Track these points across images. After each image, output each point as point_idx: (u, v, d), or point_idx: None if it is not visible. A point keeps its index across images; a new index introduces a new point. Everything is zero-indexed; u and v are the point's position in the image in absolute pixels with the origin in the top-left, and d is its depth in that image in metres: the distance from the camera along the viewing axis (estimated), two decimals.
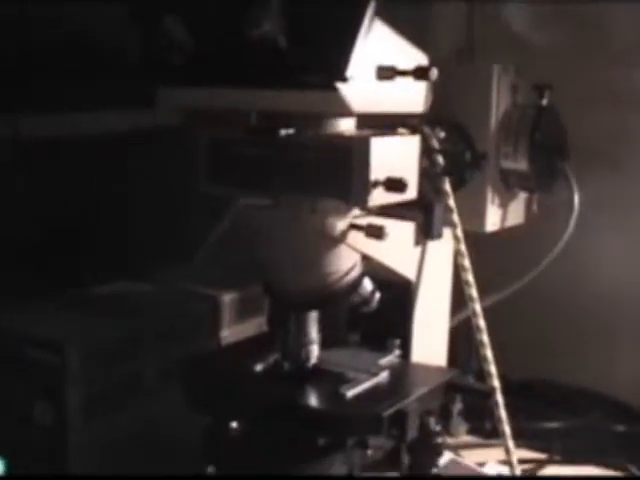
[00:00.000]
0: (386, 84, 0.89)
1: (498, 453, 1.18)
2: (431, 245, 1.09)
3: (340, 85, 0.84)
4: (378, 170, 0.90)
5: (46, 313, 1.14)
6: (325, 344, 1.05)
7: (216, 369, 1.02)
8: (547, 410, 1.42)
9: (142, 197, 1.46)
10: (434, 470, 1.01)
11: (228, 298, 1.23)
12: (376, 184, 0.90)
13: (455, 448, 1.28)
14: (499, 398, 1.06)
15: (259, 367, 1.01)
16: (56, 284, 1.22)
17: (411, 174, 0.94)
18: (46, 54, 1.33)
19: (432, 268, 1.10)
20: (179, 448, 1.08)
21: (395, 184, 0.90)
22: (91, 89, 1.37)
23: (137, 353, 1.12)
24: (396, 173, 0.91)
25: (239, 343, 1.15)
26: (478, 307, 1.06)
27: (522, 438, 1.22)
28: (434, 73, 0.89)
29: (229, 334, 1.23)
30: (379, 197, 0.90)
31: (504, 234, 1.22)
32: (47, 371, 1.07)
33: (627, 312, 1.46)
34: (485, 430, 1.30)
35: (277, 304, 1.01)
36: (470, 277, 1.06)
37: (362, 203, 0.90)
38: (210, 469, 1.00)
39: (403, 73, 0.89)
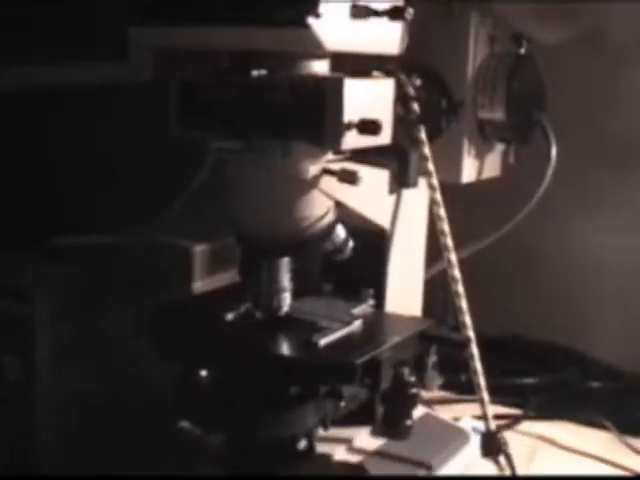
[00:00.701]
0: (360, 23, 0.87)
1: (473, 409, 1.17)
2: (406, 194, 1.08)
3: (312, 21, 0.81)
4: (352, 112, 0.87)
5: (15, 264, 1.11)
6: (298, 294, 1.03)
7: (185, 318, 1.00)
8: (522, 367, 1.42)
9: (115, 150, 1.43)
10: (408, 422, 0.99)
11: (199, 249, 1.21)
12: (349, 126, 0.87)
13: (430, 403, 1.27)
14: (474, 350, 1.04)
15: (230, 316, 0.99)
16: (26, 237, 1.19)
17: (385, 118, 0.92)
18: (11, 4, 1.29)
19: (407, 217, 1.08)
20: (149, 399, 1.06)
21: (369, 126, 0.88)
22: (59, 40, 1.33)
23: (106, 304, 1.09)
24: (370, 116, 0.89)
25: (210, 293, 1.13)
26: (453, 257, 1.05)
27: (497, 394, 1.22)
28: (410, 13, 0.87)
29: (201, 286, 1.21)
30: (352, 140, 0.88)
31: (481, 186, 1.20)
32: (16, 322, 1.05)
33: (607, 267, 1.44)
34: (460, 383, 1.28)
35: (248, 251, 0.99)
36: (445, 226, 1.05)
37: (335, 146, 0.88)
38: (184, 424, 0.98)
39: (378, 13, 0.87)
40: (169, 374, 0.98)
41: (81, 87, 1.39)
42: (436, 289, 1.19)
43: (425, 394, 1.27)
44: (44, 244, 1.19)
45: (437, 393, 1.35)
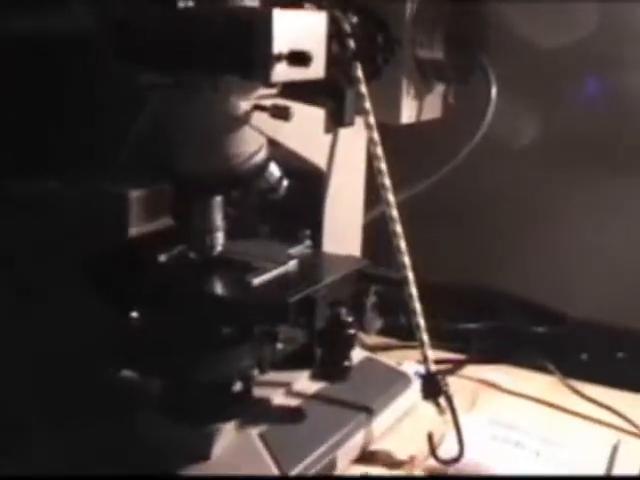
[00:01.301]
0: None
1: (416, 355, 1.16)
2: (343, 134, 1.06)
3: None
4: (281, 43, 0.85)
5: None
6: (233, 236, 1.00)
7: (117, 261, 0.98)
8: (465, 312, 1.41)
9: (62, 96, 1.39)
10: (346, 363, 0.98)
11: (135, 195, 1.18)
12: (279, 58, 0.85)
13: (372, 349, 1.26)
14: (413, 290, 1.03)
15: (163, 258, 0.97)
16: None
17: (318, 51, 0.90)
18: None
19: (344, 158, 1.06)
20: (86, 347, 1.04)
21: (299, 57, 0.86)
22: None
23: (41, 251, 1.06)
24: (301, 48, 0.86)
25: (142, 237, 1.10)
26: (391, 196, 1.03)
27: (440, 340, 1.21)
28: None
29: (137, 232, 1.17)
30: (283, 72, 0.86)
31: (420, 127, 1.19)
32: None
33: (545, 209, 1.43)
34: (402, 330, 1.27)
35: (180, 191, 0.96)
36: (383, 165, 1.03)
37: (265, 78, 0.86)
38: (126, 373, 0.97)
39: None
40: (103, 320, 0.96)
41: (24, 34, 1.35)
42: (377, 236, 1.16)
43: (367, 340, 1.26)
44: None
45: (379, 339, 1.33)
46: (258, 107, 0.91)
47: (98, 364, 1.00)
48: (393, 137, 1.07)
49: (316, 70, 0.90)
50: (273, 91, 0.94)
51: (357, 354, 1.10)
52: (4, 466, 0.96)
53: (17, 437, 1.00)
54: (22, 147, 1.31)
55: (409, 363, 1.22)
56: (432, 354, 1.04)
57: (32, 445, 0.98)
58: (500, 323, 1.40)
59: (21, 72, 1.32)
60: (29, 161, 1.29)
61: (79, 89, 1.35)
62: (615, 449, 1.11)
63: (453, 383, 1.09)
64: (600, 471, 1.06)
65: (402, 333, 1.31)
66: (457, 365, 1.30)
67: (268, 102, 0.91)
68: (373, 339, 1.30)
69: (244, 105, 0.90)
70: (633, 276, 1.37)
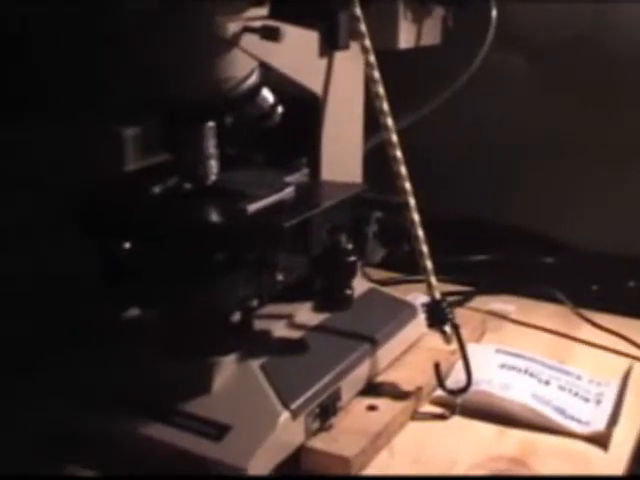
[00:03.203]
0: None
1: (422, 288, 1.13)
2: (340, 58, 1.03)
3: None
4: None
5: None
6: (228, 166, 0.98)
7: (110, 193, 0.96)
8: (473, 245, 1.38)
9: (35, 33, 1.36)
10: (348, 291, 0.96)
11: (131, 132, 1.16)
12: None
13: (379, 283, 1.23)
14: (415, 216, 1.00)
15: (157, 189, 0.95)
16: None
17: None
18: None
19: (342, 83, 1.04)
20: (80, 286, 1.02)
21: None
22: None
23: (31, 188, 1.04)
24: None
25: (137, 171, 1.08)
26: (390, 121, 1.00)
27: (448, 273, 1.18)
28: None
29: (133, 168, 1.15)
30: None
31: (418, 53, 1.15)
32: None
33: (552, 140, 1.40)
34: (403, 258, 1.24)
35: (172, 120, 0.94)
36: (380, 89, 1.00)
37: None
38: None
39: None
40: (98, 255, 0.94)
41: None
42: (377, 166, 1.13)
43: (375, 274, 1.24)
44: None
45: (383, 274, 1.31)
46: (247, 29, 0.88)
47: (94, 299, 0.98)
48: (391, 63, 1.04)
49: None
50: (263, 12, 0.91)
51: (360, 285, 1.08)
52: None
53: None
54: (15, 87, 1.29)
55: (415, 294, 1.20)
56: (438, 285, 1.02)
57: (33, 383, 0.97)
58: (507, 255, 1.37)
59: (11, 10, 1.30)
60: (21, 100, 1.26)
61: (69, 25, 1.32)
62: (627, 375, 1.08)
63: (461, 315, 1.08)
64: (612, 395, 1.04)
65: (406, 267, 1.29)
66: (465, 296, 1.28)
67: (258, 24, 0.88)
68: (377, 273, 1.27)
69: (233, 27, 0.87)
70: None
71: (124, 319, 1.01)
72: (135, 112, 1.17)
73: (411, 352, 1.10)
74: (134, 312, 1.00)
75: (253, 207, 0.90)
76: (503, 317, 1.25)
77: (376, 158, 1.14)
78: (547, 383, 1.06)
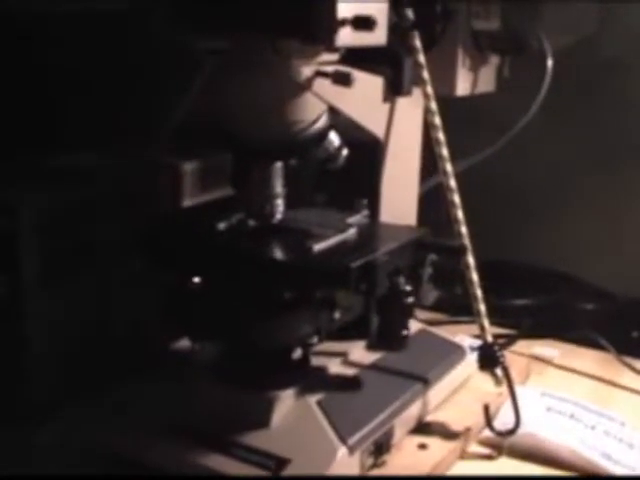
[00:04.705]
0: None
1: (470, 329, 1.15)
2: (401, 103, 1.05)
3: None
4: (346, 7, 0.85)
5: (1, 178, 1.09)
6: (292, 205, 1.00)
7: (177, 228, 0.98)
8: (515, 289, 1.40)
9: (104, 71, 1.39)
10: (404, 332, 0.98)
11: (190, 167, 1.18)
12: (343, 23, 0.85)
13: (426, 323, 1.25)
14: (470, 259, 1.02)
15: (222, 225, 0.97)
16: (15, 152, 1.16)
17: (380, 16, 0.90)
18: None
19: (402, 128, 1.06)
20: (137, 316, 1.04)
21: (363, 22, 0.85)
22: None
23: (95, 221, 1.06)
24: (364, 12, 0.86)
25: (202, 205, 1.11)
26: (449, 166, 1.03)
27: (492, 316, 1.20)
28: None
29: (191, 203, 1.18)
30: (347, 37, 0.86)
31: (476, 100, 1.18)
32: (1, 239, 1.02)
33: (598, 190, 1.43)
34: (456, 304, 1.26)
35: (240, 158, 0.97)
36: (440, 135, 1.02)
37: (329, 42, 0.86)
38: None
39: None
40: (162, 287, 0.96)
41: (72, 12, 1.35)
42: (433, 206, 1.16)
43: (421, 314, 1.25)
44: (30, 160, 1.17)
45: (431, 315, 1.33)
46: (320, 73, 0.90)
47: (158, 332, 1.00)
48: (448, 110, 1.07)
49: (378, 36, 0.90)
50: (334, 58, 0.94)
51: (412, 326, 1.10)
52: None
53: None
54: (79, 119, 1.31)
55: (462, 336, 1.21)
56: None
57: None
58: (550, 300, 1.39)
59: (72, 46, 1.33)
60: (84, 132, 1.29)
61: (132, 57, 1.36)
62: None
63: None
64: None
65: (453, 309, 1.31)
66: (509, 340, 1.29)
67: (330, 68, 0.91)
68: (425, 314, 1.29)
69: (306, 71, 0.90)
70: None
71: (186, 351, 1.03)
72: (196, 147, 1.20)
73: (460, 392, 1.11)
74: (196, 344, 1.02)
75: (319, 246, 0.92)
76: (546, 361, 1.26)
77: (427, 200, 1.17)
78: (593, 428, 1.07)
